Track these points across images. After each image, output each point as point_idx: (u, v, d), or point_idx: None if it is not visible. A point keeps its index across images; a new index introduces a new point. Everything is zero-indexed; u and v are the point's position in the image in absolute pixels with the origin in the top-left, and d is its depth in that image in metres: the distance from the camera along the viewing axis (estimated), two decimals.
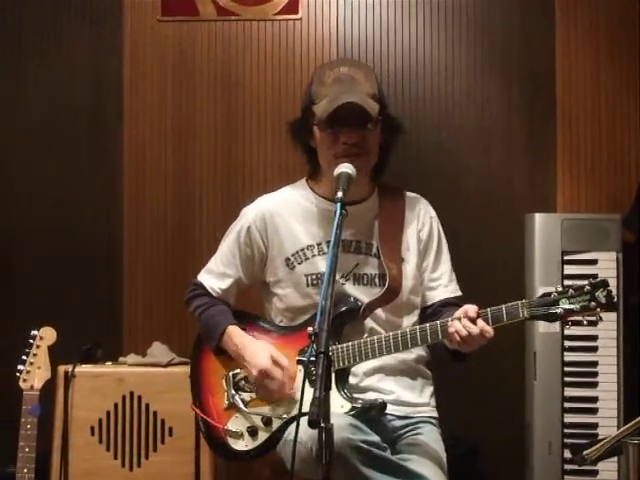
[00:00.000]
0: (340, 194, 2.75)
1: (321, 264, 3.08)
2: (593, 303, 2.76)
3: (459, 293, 3.20)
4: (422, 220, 3.20)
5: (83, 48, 4.86)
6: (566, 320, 2.80)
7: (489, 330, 2.81)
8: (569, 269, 4.25)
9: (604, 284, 2.78)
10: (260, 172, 4.78)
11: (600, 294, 2.76)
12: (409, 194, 3.26)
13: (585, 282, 2.79)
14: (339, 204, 2.70)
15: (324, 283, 2.48)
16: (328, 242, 3.05)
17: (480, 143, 4.76)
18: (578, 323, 2.81)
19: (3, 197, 4.84)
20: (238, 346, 3.10)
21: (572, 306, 2.76)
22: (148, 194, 4.82)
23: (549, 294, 2.81)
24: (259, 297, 3.32)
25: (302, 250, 3.14)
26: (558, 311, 2.78)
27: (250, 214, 3.23)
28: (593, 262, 4.25)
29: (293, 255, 3.14)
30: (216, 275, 3.26)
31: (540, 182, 4.71)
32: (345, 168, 2.88)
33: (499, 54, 4.77)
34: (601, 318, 2.79)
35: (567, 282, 4.19)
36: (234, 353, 3.11)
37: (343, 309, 3.04)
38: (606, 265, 4.24)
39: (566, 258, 4.26)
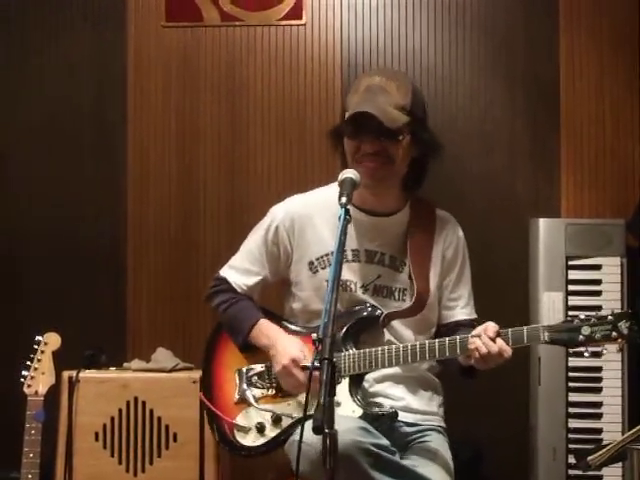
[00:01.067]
0: (344, 199, 2.74)
1: (344, 271, 3.04)
2: (615, 333, 2.76)
3: (474, 316, 3.20)
4: (449, 240, 3.20)
5: (86, 50, 4.86)
6: (586, 348, 2.81)
7: (507, 350, 2.82)
8: (573, 274, 4.24)
9: (628, 315, 2.78)
10: (264, 174, 4.79)
11: (623, 325, 2.76)
12: (439, 211, 3.26)
13: (609, 312, 2.80)
14: (343, 210, 2.70)
15: (328, 289, 2.49)
16: (353, 250, 3.10)
17: (484, 147, 4.76)
18: (597, 354, 2.83)
19: (5, 198, 4.84)
20: (270, 337, 3.10)
21: (593, 334, 2.77)
22: (152, 197, 4.83)
23: (571, 320, 2.82)
24: (276, 295, 3.33)
25: (327, 255, 3.13)
26: (579, 338, 2.79)
27: (279, 213, 3.23)
28: (597, 267, 4.25)
29: (317, 259, 3.14)
30: (241, 271, 3.26)
31: (544, 187, 4.71)
32: (349, 173, 2.88)
33: (503, 58, 4.77)
34: (622, 349, 2.81)
35: (571, 287, 4.21)
36: (264, 345, 3.11)
37: (363, 315, 3.05)
38: (610, 270, 4.24)
39: (570, 263, 4.25)
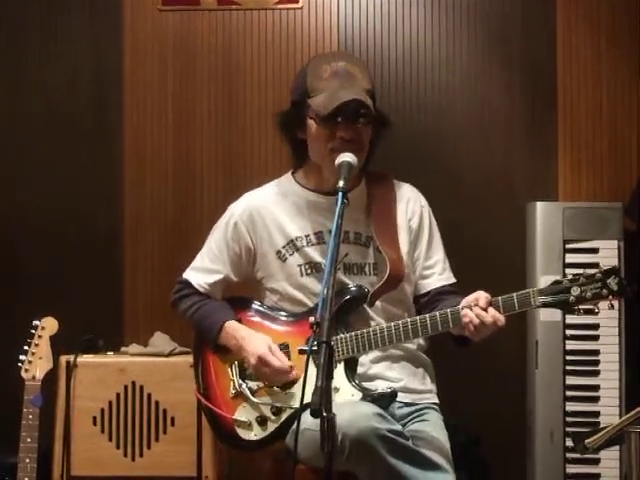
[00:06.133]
0: (342, 183, 2.77)
1: (313, 254, 3.11)
2: (605, 291, 2.77)
3: (453, 280, 3.21)
4: (412, 209, 3.20)
5: (83, 37, 4.84)
6: (578, 308, 2.81)
7: (501, 318, 2.83)
8: (570, 257, 4.25)
9: (615, 271, 2.79)
10: (261, 160, 4.78)
11: (612, 281, 2.77)
12: (398, 182, 3.26)
13: (595, 270, 2.80)
14: (340, 193, 2.72)
15: (326, 272, 2.48)
16: (316, 233, 3.12)
17: (481, 132, 4.75)
18: (590, 312, 2.82)
19: (3, 183, 4.83)
20: (237, 339, 3.10)
21: (584, 294, 2.78)
22: (149, 183, 4.82)
23: (560, 282, 2.82)
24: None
25: (292, 242, 3.14)
26: (570, 299, 2.80)
27: (237, 210, 3.24)
28: (594, 250, 4.25)
29: (284, 247, 3.14)
30: (203, 271, 3.26)
31: (541, 171, 4.71)
32: (347, 157, 2.89)
33: (500, 43, 4.75)
34: (613, 306, 2.80)
35: (569, 270, 4.20)
36: (234, 347, 3.11)
37: (350, 296, 3.04)
38: (607, 253, 4.24)
39: (568, 247, 4.25)
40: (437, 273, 3.19)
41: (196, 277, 3.27)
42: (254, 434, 3.07)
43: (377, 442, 2.71)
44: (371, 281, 3.09)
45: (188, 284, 3.27)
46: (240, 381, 3.11)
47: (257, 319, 3.19)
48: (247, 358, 3.06)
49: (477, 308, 2.83)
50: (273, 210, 3.19)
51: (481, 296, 2.86)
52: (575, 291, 2.79)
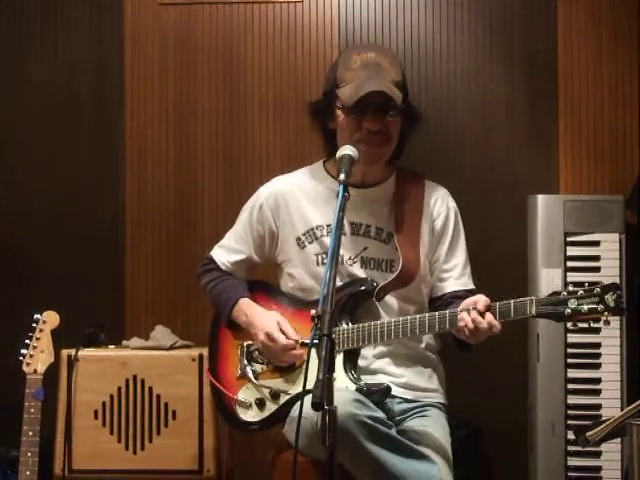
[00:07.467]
0: (342, 176, 2.77)
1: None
2: (601, 306, 2.76)
3: (471, 286, 3.20)
4: (438, 210, 3.21)
5: (84, 31, 4.84)
6: (573, 321, 2.80)
7: (496, 324, 2.82)
8: (572, 250, 4.24)
9: (615, 287, 2.77)
10: (262, 154, 4.78)
11: (610, 297, 2.75)
12: (429, 182, 3.27)
13: (596, 284, 2.78)
14: (342, 186, 2.72)
15: (327, 265, 2.49)
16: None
17: (482, 125, 4.75)
18: (585, 321, 2.81)
19: (5, 180, 4.83)
20: (248, 315, 3.16)
21: (580, 307, 2.77)
22: (150, 178, 4.82)
23: (558, 293, 2.81)
24: (271, 273, 3.38)
25: (312, 230, 3.17)
26: (566, 311, 2.78)
27: (264, 193, 3.29)
28: (596, 243, 4.25)
29: (304, 234, 3.18)
30: (228, 250, 3.35)
31: (542, 163, 4.70)
32: (347, 150, 2.90)
33: (501, 35, 4.75)
34: (609, 322, 2.79)
35: (570, 264, 4.20)
36: (244, 322, 3.17)
37: (359, 289, 3.05)
38: (609, 246, 4.24)
39: (569, 239, 4.25)
40: (454, 277, 3.19)
41: (220, 255, 3.36)
42: (252, 415, 3.15)
43: (355, 428, 2.72)
44: (386, 278, 3.10)
45: (212, 260, 3.37)
46: (246, 362, 3.18)
47: (269, 303, 3.23)
48: (256, 334, 3.11)
49: (474, 312, 2.82)
50: (299, 197, 3.22)
51: (480, 300, 2.86)
52: (572, 304, 2.78)
